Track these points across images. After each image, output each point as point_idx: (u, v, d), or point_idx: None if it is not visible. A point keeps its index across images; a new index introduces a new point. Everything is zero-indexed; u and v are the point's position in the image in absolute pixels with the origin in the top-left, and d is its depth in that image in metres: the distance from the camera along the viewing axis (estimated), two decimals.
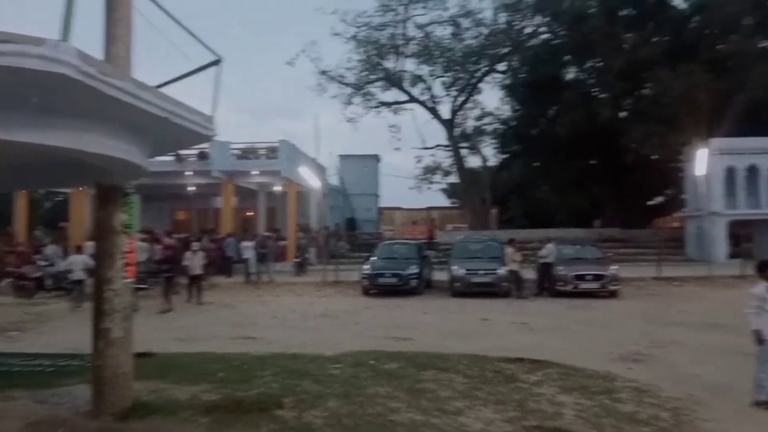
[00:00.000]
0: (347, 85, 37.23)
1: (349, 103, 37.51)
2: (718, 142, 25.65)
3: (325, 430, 5.36)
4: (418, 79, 37.13)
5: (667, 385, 6.78)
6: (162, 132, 5.66)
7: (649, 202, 40.27)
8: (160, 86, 5.87)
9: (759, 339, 5.93)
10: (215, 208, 29.42)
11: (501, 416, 5.66)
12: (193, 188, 27.55)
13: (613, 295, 16.18)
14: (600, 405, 5.96)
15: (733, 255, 23.89)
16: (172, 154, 23.56)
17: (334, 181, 37.50)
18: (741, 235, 24.74)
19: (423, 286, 17.84)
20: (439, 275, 19.18)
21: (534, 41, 36.01)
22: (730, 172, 26.41)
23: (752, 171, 26.40)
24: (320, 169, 28.73)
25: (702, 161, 23.72)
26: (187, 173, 25.70)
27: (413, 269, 17.51)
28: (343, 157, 40.87)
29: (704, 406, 5.99)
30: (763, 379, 5.92)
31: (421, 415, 5.69)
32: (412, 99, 37.56)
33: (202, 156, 24.60)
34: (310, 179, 24.80)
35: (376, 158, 42.91)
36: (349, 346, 9.19)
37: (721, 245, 25.34)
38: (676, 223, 38.12)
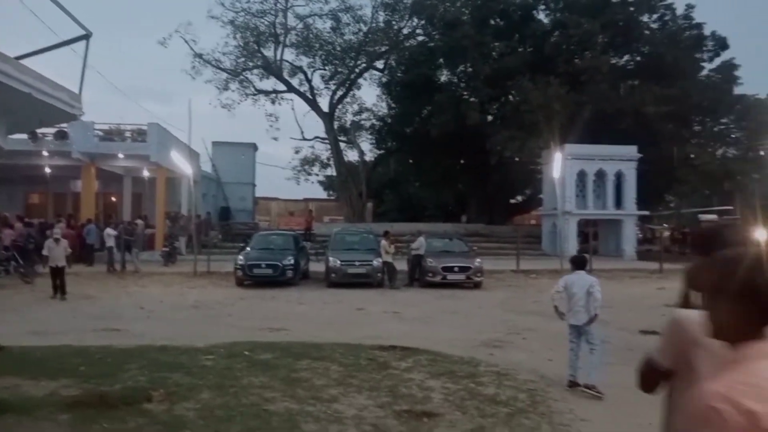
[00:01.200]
0: (223, 70, 36.14)
1: (225, 89, 36.48)
2: (571, 148, 28.06)
3: (198, 423, 5.26)
4: (297, 69, 36.86)
5: (524, 369, 7.42)
6: (23, 109, 5.23)
7: (511, 201, 43.15)
8: (21, 57, 5.40)
9: (559, 315, 6.85)
10: (75, 192, 27.27)
11: (374, 402, 5.89)
12: (51, 170, 25.30)
13: (477, 286, 17.24)
14: (465, 389, 6.39)
15: (581, 251, 26.29)
16: (27, 132, 21.49)
17: (207, 168, 36.18)
18: (589, 232, 27.33)
19: (299, 277, 17.84)
20: (316, 266, 19.27)
21: (411, 42, 37.15)
22: (582, 176, 29.02)
23: (600, 175, 29.19)
24: (193, 156, 27.62)
25: (557, 165, 25.83)
26: (43, 154, 23.54)
27: (289, 260, 17.44)
28: (217, 144, 39.52)
29: (556, 387, 6.63)
30: (593, 362, 6.52)
31: (296, 404, 5.77)
32: (291, 89, 37.23)
33: (61, 135, 22.64)
34: (182, 165, 23.77)
35: (252, 147, 42.00)
36: (222, 337, 9.02)
37: (572, 241, 27.73)
38: (534, 220, 41.24)
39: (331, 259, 17.43)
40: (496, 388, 6.40)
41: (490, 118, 34.52)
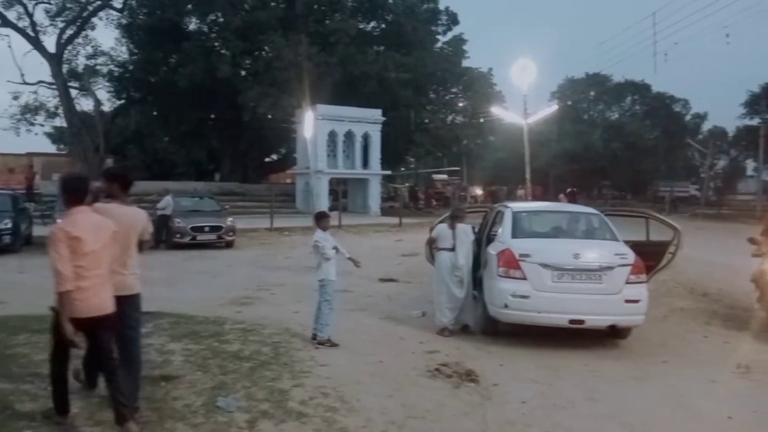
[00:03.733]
0: None
1: None
2: (322, 108, 28.86)
3: None
4: (14, 0, 31.20)
5: (270, 323, 7.52)
6: None
7: (266, 159, 43.03)
8: None
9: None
10: None
11: None
12: None
13: (229, 245, 16.94)
14: (208, 348, 6.25)
15: (332, 208, 27.52)
16: None
17: None
18: (339, 191, 28.68)
19: (20, 243, 15.50)
20: (41, 231, 16.92)
21: None
22: (333, 136, 30.11)
23: (349, 136, 30.62)
24: None
25: (309, 124, 26.45)
26: None
27: (6, 224, 15.00)
28: None
29: (298, 337, 6.87)
30: (325, 317, 6.71)
31: (9, 383, 5.04)
32: (7, 23, 31.42)
33: None
34: None
35: None
36: None
37: (324, 199, 28.79)
38: (289, 179, 41.81)
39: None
40: (241, 345, 6.38)
41: (243, 72, 33.62)
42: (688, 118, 64.93)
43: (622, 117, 63.78)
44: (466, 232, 7.44)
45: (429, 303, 8.29)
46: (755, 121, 42.38)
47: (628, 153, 55.27)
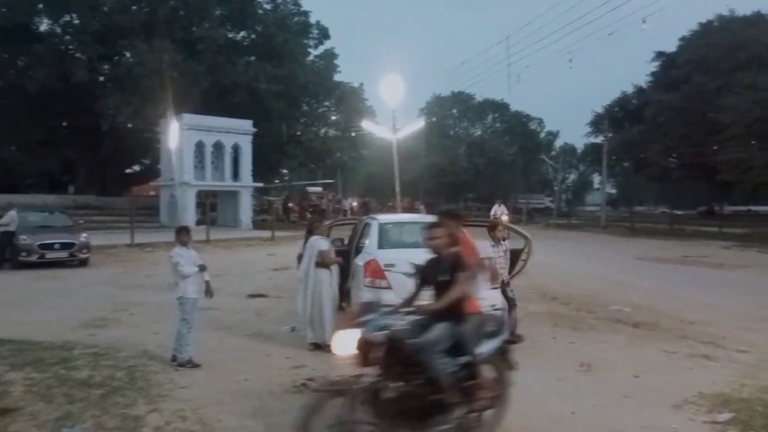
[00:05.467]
0: None
1: None
2: (189, 117, 27.80)
3: None
4: None
5: (126, 346, 7.07)
6: None
7: (127, 170, 40.52)
8: None
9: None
10: None
11: None
12: None
13: (83, 263, 15.72)
14: (54, 376, 5.76)
15: (200, 222, 26.49)
16: None
17: None
18: (207, 203, 27.68)
19: None
20: None
21: None
22: (200, 147, 29.06)
23: (218, 147, 29.72)
24: None
25: (174, 134, 25.33)
26: None
27: None
28: None
29: (157, 360, 6.51)
30: (184, 337, 6.45)
31: None
32: None
33: None
34: None
35: None
36: None
37: (190, 213, 27.67)
38: (153, 191, 39.68)
39: None
40: (91, 371, 5.94)
41: (101, 78, 31.47)
42: (542, 135, 70.39)
43: (485, 134, 67.81)
44: (312, 245, 7.34)
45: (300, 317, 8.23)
46: (599, 139, 46.76)
47: (490, 167, 58.75)
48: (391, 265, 6.80)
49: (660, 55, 42.81)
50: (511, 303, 7.75)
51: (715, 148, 32.94)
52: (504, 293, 7.64)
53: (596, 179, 61.48)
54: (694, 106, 35.36)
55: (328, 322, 7.08)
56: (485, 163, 58.56)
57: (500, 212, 23.77)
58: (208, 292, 6.72)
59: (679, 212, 39.84)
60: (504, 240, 7.97)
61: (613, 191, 65.36)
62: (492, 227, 8.18)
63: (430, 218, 9.56)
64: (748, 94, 29.40)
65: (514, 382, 4.70)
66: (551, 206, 53.87)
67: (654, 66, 43.58)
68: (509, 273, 8.21)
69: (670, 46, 41.87)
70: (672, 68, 40.42)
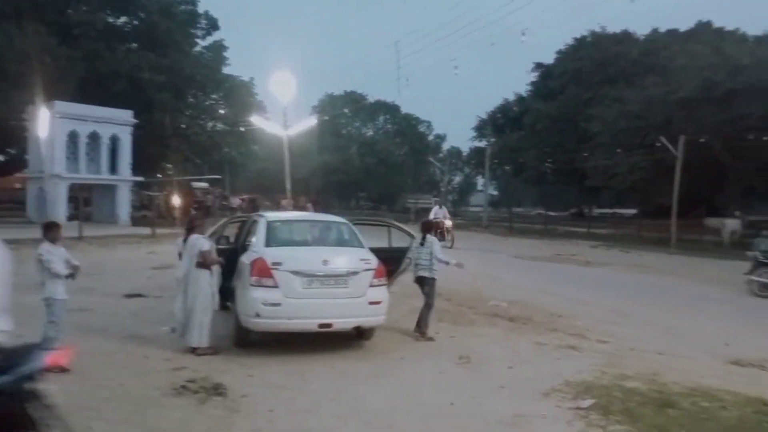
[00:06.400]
0: None
1: None
2: (61, 105, 25.78)
3: None
4: None
5: None
6: None
7: None
8: None
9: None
10: None
11: None
12: None
13: None
14: None
15: (72, 217, 24.63)
16: None
17: None
18: (81, 198, 25.81)
19: None
20: None
21: None
22: (74, 137, 27.04)
23: (94, 138, 27.79)
24: None
25: (45, 123, 23.41)
26: None
27: None
28: None
29: None
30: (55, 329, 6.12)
31: None
32: None
33: None
34: None
35: None
36: None
37: (62, 207, 25.68)
38: (19, 183, 36.42)
39: None
40: None
41: None
42: (431, 138, 72.61)
43: (376, 134, 68.81)
44: (193, 244, 7.05)
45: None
46: (483, 144, 49.02)
47: (380, 167, 59.71)
48: (279, 264, 6.73)
49: (539, 66, 45.60)
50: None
51: (585, 155, 35.64)
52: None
53: (480, 181, 64.41)
54: (568, 116, 38.08)
55: (206, 325, 6.86)
56: (376, 163, 59.46)
57: (441, 215, 22.03)
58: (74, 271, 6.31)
59: (553, 214, 42.68)
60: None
61: (495, 193, 68.79)
62: (429, 227, 8.57)
63: (321, 216, 9.61)
64: (615, 107, 32.11)
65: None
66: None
67: (533, 76, 46.39)
68: (396, 271, 8.41)
69: (550, 57, 44.77)
70: (549, 79, 43.27)
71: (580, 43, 42.18)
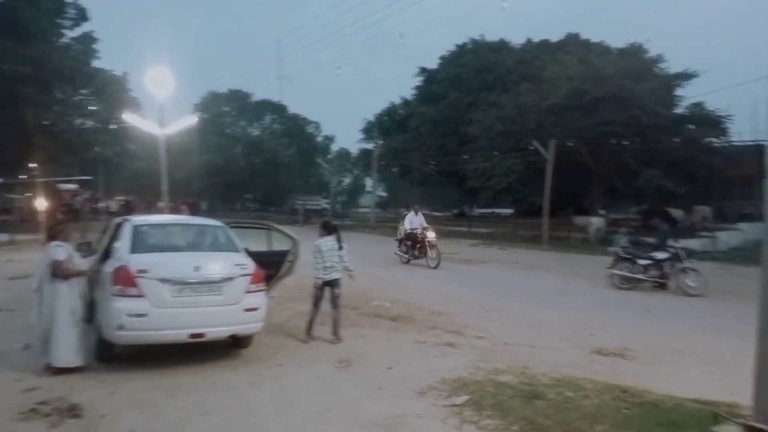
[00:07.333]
0: None
1: None
2: None
3: None
4: None
5: None
6: None
7: None
8: None
9: None
10: None
11: None
12: None
13: None
14: None
15: None
16: None
17: None
18: None
19: None
20: None
21: None
22: None
23: None
24: None
25: None
26: None
27: None
28: None
29: None
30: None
31: None
32: None
33: None
34: None
35: None
36: None
37: None
38: None
39: None
40: None
41: None
42: (319, 139, 72.34)
43: (263, 134, 67.39)
44: (49, 253, 6.46)
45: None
46: (371, 146, 49.55)
47: (267, 168, 58.57)
48: (145, 272, 6.29)
49: (423, 71, 46.82)
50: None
51: (465, 157, 37.08)
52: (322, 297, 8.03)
53: (369, 183, 65.07)
54: (450, 119, 39.45)
55: (65, 342, 6.25)
56: (262, 163, 58.20)
57: (419, 224, 18.07)
58: None
59: (437, 214, 43.93)
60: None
61: (384, 194, 69.80)
62: (330, 227, 8.29)
63: (193, 220, 9.13)
64: (492, 112, 33.69)
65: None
66: (327, 208, 55.56)
67: (418, 80, 47.56)
68: (276, 275, 8.18)
69: (435, 62, 46.01)
70: (433, 84, 44.57)
71: (462, 50, 43.80)
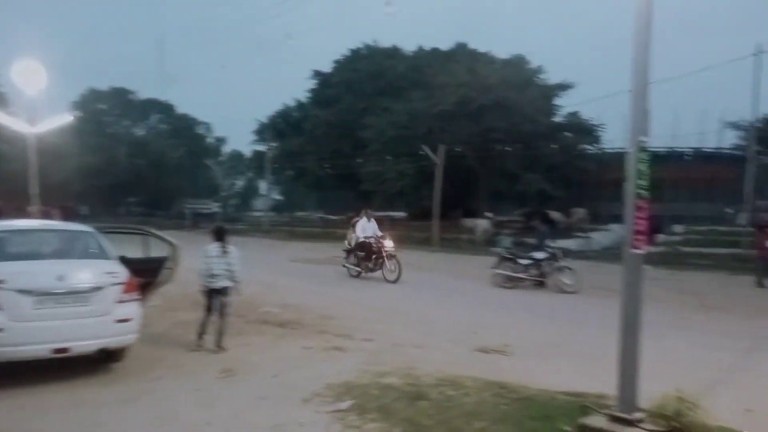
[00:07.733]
0: None
1: None
2: None
3: None
4: None
5: None
6: None
7: None
8: None
9: None
10: None
11: None
12: None
13: None
14: None
15: None
16: None
17: None
18: None
19: None
20: None
21: None
22: None
23: None
24: None
25: None
26: None
27: None
28: None
29: None
30: None
31: None
32: None
33: None
34: None
35: None
36: None
37: None
38: None
39: None
40: None
41: None
42: (210, 140, 69.83)
43: (148, 134, 64.06)
44: None
45: None
46: (264, 148, 48.63)
47: (153, 170, 55.78)
48: (2, 282, 5.73)
49: (317, 74, 46.60)
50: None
51: (359, 161, 37.37)
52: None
53: (263, 186, 63.76)
54: (345, 123, 39.61)
55: None
56: (148, 165, 55.32)
57: (372, 231, 16.23)
58: None
59: (333, 217, 43.92)
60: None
61: (279, 197, 68.68)
62: (222, 233, 7.84)
63: (60, 225, 8.44)
64: (385, 117, 34.21)
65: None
66: (218, 211, 53.81)
67: (312, 83, 47.28)
68: (153, 283, 7.75)
69: (327, 65, 45.90)
70: (327, 87, 44.52)
71: (356, 55, 44.10)
